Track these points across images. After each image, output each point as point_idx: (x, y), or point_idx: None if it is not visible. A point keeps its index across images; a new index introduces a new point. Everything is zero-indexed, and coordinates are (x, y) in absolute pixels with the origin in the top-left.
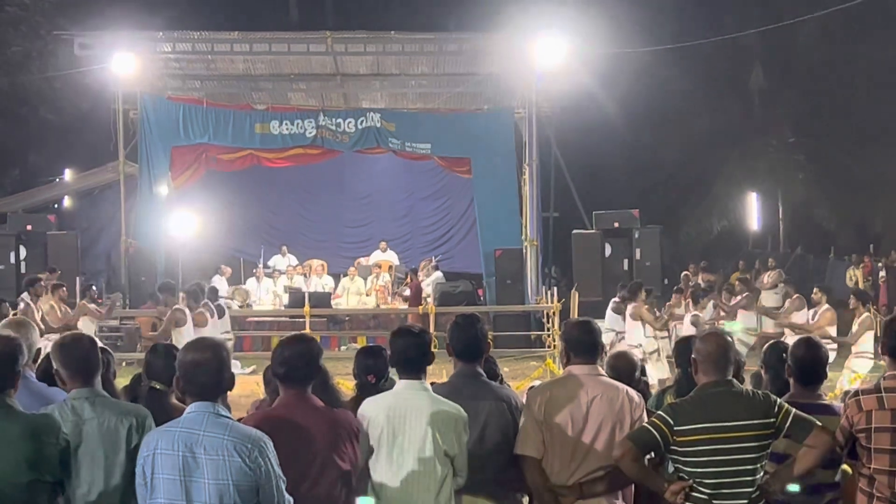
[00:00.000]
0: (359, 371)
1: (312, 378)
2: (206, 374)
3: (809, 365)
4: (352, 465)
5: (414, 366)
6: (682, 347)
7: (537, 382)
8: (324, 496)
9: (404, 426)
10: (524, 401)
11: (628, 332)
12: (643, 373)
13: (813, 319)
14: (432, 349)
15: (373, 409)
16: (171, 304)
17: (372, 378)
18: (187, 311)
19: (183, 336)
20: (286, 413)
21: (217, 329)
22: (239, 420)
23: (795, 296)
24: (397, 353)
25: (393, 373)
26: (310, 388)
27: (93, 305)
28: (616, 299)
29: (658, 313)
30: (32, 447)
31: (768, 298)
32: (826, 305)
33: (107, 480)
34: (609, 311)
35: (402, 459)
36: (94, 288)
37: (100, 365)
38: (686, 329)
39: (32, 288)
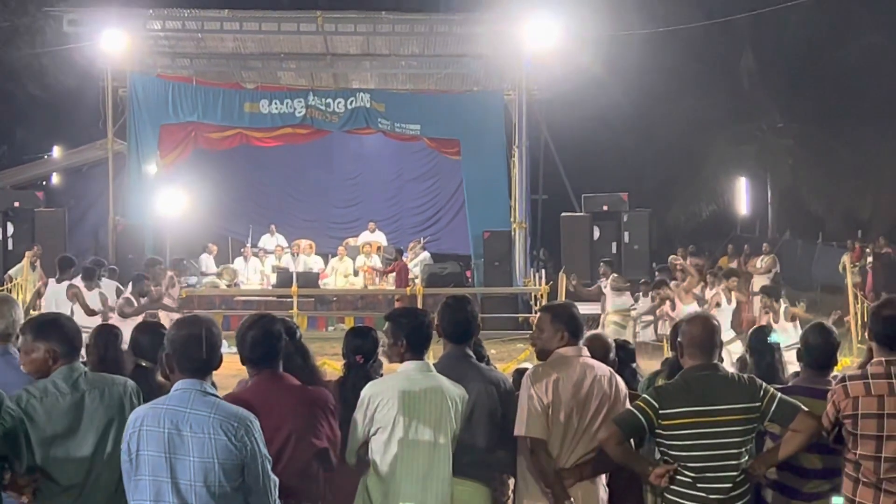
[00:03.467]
0: (347, 351)
1: (279, 354)
2: (200, 350)
3: (822, 350)
4: (329, 442)
5: (421, 346)
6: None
7: (526, 365)
8: (299, 473)
9: (420, 407)
10: (524, 382)
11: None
12: (618, 354)
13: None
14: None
15: (384, 390)
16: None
17: (360, 358)
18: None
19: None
20: (259, 393)
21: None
22: None
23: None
24: (409, 334)
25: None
26: (280, 365)
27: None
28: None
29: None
30: None
31: (761, 284)
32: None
33: (114, 445)
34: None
35: (418, 440)
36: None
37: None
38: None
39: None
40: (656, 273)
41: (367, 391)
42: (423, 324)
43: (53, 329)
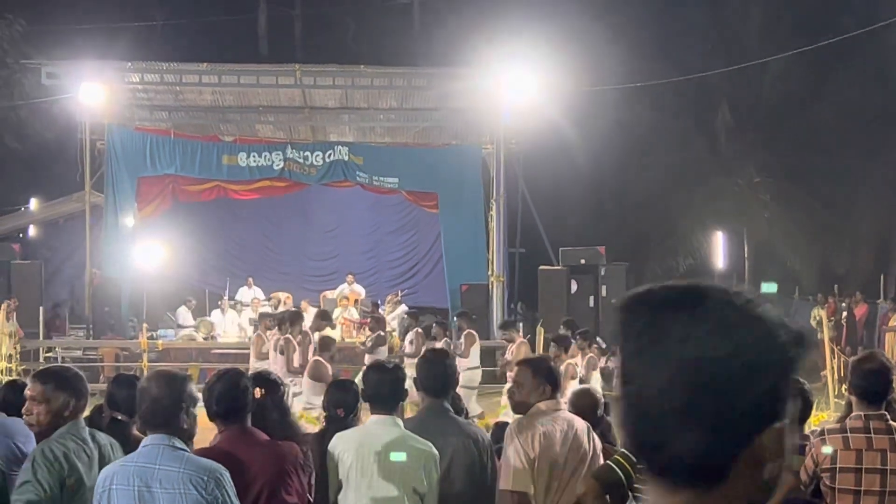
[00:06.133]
0: (328, 404)
1: (246, 409)
2: (170, 406)
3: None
4: (299, 496)
5: (386, 401)
6: None
7: (506, 419)
8: None
9: (374, 462)
10: (508, 435)
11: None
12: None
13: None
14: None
15: (342, 445)
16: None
17: (341, 412)
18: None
19: None
20: (228, 448)
21: None
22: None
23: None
24: (370, 387)
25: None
26: (248, 419)
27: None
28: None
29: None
30: None
31: None
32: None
33: None
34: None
35: (371, 495)
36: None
37: None
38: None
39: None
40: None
41: (331, 444)
42: (385, 379)
43: (75, 381)
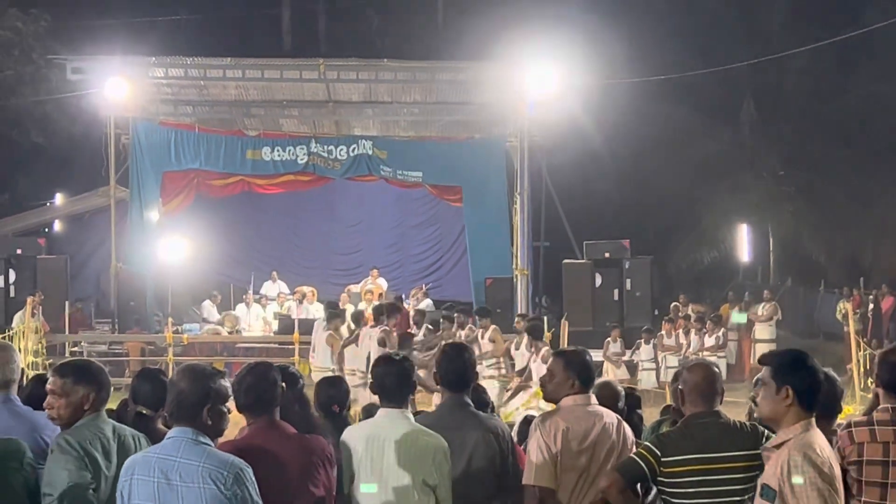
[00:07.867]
0: (323, 401)
1: (275, 402)
2: (196, 400)
3: (826, 398)
4: (326, 490)
5: (394, 394)
6: None
7: (533, 412)
8: None
9: (382, 455)
10: (531, 430)
11: None
12: (632, 404)
13: None
14: (414, 378)
15: (353, 437)
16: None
17: (336, 408)
18: None
19: None
20: (258, 441)
21: None
22: None
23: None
24: (377, 379)
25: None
26: (277, 413)
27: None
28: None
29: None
30: None
31: (763, 331)
32: None
33: None
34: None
35: (380, 488)
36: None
37: None
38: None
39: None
40: None
41: (344, 436)
42: (391, 371)
43: (95, 373)
